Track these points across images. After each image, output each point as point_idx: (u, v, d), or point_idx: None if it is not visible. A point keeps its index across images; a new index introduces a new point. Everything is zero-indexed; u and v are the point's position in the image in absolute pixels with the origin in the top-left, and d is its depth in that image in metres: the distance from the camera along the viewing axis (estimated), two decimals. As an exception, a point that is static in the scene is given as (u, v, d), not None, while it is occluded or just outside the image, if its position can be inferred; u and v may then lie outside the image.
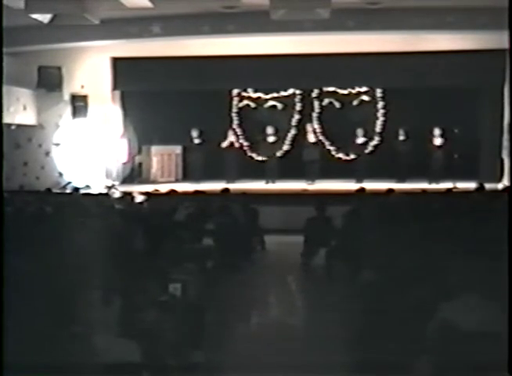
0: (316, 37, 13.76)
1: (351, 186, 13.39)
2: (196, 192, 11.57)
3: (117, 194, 12.13)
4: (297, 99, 16.29)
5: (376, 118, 16.10)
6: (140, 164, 16.03)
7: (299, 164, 14.95)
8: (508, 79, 13.58)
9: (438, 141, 14.63)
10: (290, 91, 16.21)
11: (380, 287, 5.16)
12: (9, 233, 4.56)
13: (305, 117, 16.16)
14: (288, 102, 16.32)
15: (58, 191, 13.54)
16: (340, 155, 16.19)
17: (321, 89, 16.11)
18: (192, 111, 15.41)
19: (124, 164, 15.68)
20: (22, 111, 14.58)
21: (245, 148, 16.26)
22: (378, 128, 16.06)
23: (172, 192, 11.07)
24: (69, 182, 14.89)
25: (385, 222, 7.48)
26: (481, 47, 13.88)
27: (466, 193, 11.43)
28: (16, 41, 12.34)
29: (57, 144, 15.47)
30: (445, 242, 5.36)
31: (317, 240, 9.24)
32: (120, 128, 15.73)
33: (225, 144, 15.20)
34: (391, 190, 10.70)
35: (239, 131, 16.29)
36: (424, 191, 12.00)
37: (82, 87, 15.30)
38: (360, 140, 15.20)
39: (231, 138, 15.33)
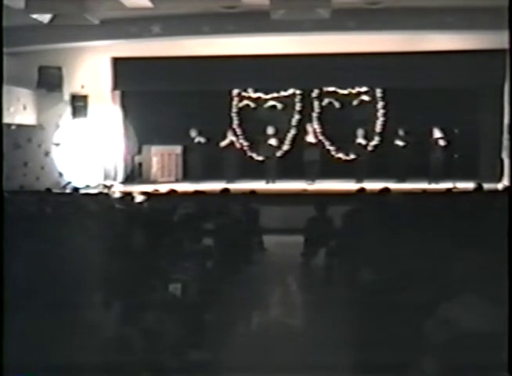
0: (316, 37, 13.76)
1: (351, 186, 13.39)
2: (196, 192, 11.55)
3: (116, 194, 12.12)
4: (297, 99, 16.29)
5: (376, 118, 16.10)
6: (140, 164, 16.03)
7: (299, 164, 14.94)
8: (508, 79, 13.59)
9: (437, 141, 14.62)
10: (290, 91, 16.21)
11: (380, 287, 5.17)
12: (9, 233, 4.56)
13: (305, 117, 16.15)
14: (288, 102, 16.32)
15: (58, 191, 13.53)
16: (340, 155, 16.18)
17: (321, 89, 16.11)
18: (192, 111, 15.39)
19: (124, 164, 15.68)
20: (22, 111, 14.58)
21: (245, 148, 16.26)
22: (378, 128, 16.07)
23: (172, 192, 11.06)
24: (69, 182, 14.89)
25: (385, 222, 7.48)
26: (481, 47, 13.88)
27: (465, 193, 11.42)
28: (16, 41, 12.32)
29: (57, 144, 15.47)
30: (445, 242, 5.36)
31: (317, 240, 9.23)
32: (120, 128, 15.73)
33: (225, 144, 15.21)
34: (386, 189, 10.58)
35: (239, 131, 16.30)
36: (424, 191, 11.99)
37: (82, 87, 15.31)
38: (360, 140, 15.19)
39: (231, 138, 15.33)
